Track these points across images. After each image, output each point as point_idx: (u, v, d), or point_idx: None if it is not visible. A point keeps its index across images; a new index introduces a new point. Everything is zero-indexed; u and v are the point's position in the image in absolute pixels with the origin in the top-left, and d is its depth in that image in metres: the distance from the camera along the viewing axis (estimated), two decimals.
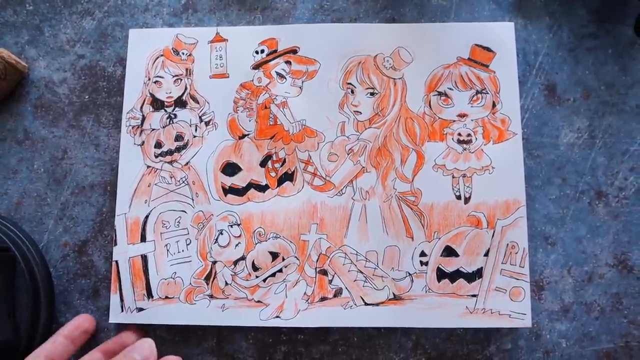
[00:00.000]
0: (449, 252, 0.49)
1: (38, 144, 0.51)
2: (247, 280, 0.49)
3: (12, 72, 0.50)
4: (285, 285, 0.48)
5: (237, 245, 0.49)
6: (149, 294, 0.49)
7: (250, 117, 0.51)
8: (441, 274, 0.49)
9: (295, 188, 0.50)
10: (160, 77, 0.52)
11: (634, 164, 0.52)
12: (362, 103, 0.51)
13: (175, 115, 0.51)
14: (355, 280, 0.48)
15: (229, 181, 0.50)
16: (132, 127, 0.51)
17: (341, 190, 0.50)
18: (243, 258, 0.49)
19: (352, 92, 0.51)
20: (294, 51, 0.51)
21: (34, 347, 0.46)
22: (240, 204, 0.50)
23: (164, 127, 0.51)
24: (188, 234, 0.50)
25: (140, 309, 0.48)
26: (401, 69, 0.51)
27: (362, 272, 0.48)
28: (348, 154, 0.50)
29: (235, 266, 0.49)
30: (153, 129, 0.51)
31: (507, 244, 0.48)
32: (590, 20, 0.54)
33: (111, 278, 0.49)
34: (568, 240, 0.51)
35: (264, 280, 0.48)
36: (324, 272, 0.48)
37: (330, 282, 0.48)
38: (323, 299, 0.48)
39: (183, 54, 0.52)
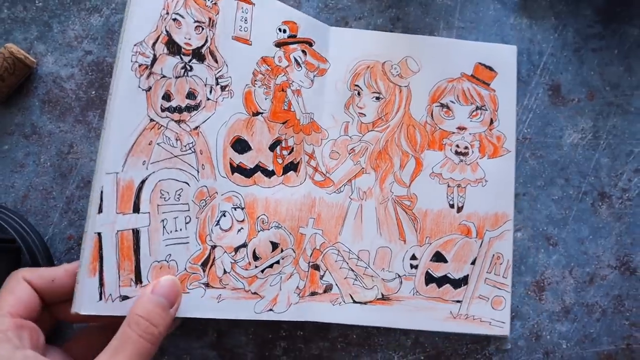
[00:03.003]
0: (438, 257, 0.50)
1: (45, 139, 0.52)
2: (247, 269, 0.46)
3: (20, 68, 0.51)
4: (281, 277, 0.47)
5: (239, 230, 0.46)
6: (138, 279, 0.41)
7: (267, 96, 0.49)
8: (429, 278, 0.49)
9: (299, 179, 0.50)
10: (180, 15, 0.44)
11: (639, 166, 0.51)
12: (367, 106, 0.51)
13: (192, 68, 0.45)
14: (346, 277, 0.49)
15: (237, 159, 0.47)
16: (140, 66, 0.42)
17: (339, 188, 0.50)
18: (244, 245, 0.46)
19: (359, 94, 0.52)
20: (309, 43, 0.51)
21: None
22: (246, 185, 0.47)
23: (176, 78, 0.44)
24: (189, 210, 0.44)
25: (125, 297, 0.40)
26: (407, 77, 0.52)
27: (353, 270, 0.49)
28: (349, 154, 0.51)
29: (235, 253, 0.46)
30: (164, 76, 0.43)
31: (493, 255, 0.49)
32: (596, 21, 0.53)
33: (86, 256, 0.39)
34: (570, 241, 0.51)
35: (262, 271, 0.47)
36: (317, 267, 0.49)
37: (322, 277, 0.49)
38: (313, 293, 0.48)
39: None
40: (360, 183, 0.50)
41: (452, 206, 0.50)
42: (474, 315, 0.48)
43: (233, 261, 0.46)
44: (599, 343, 0.49)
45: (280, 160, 0.49)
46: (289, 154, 0.49)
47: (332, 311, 0.48)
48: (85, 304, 0.38)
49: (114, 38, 0.54)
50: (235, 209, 0.46)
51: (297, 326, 0.50)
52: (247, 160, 0.48)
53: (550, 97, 0.52)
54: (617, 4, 0.53)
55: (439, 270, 0.49)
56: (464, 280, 0.49)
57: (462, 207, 0.50)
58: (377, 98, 0.52)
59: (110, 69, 0.53)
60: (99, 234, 0.40)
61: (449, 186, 0.50)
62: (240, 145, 0.47)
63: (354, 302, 0.48)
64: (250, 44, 0.48)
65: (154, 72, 0.43)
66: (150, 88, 0.43)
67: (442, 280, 0.49)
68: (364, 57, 0.52)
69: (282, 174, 0.49)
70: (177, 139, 0.44)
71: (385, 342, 0.50)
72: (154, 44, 0.43)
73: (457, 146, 0.51)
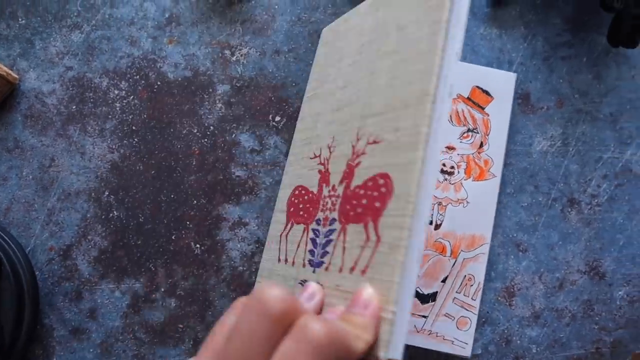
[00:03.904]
0: None
1: (27, 152, 0.54)
2: None
3: (3, 84, 0.53)
4: None
5: None
6: None
7: None
8: None
9: None
10: None
11: (607, 172, 0.52)
12: None
13: None
14: None
15: None
16: None
17: None
18: None
19: None
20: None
21: (18, 347, 0.48)
22: None
23: None
24: None
25: None
26: None
27: None
28: None
29: None
30: None
31: (465, 275, 0.50)
32: (565, 29, 0.54)
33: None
34: (540, 247, 0.51)
35: None
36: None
37: None
38: None
39: None
40: None
41: (430, 223, 0.51)
42: (438, 332, 0.49)
43: None
44: (568, 347, 0.50)
45: None
46: None
47: None
48: None
49: (94, 54, 0.55)
50: None
51: None
52: None
53: (519, 105, 0.53)
54: (585, 13, 0.54)
55: None
56: (432, 297, 0.50)
57: (441, 224, 0.51)
58: None
59: (90, 84, 0.54)
60: None
61: None
62: None
63: None
64: None
65: None
66: None
67: None
68: None
69: None
70: None
71: None
72: None
73: (444, 165, 0.52)
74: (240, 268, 0.52)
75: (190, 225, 0.52)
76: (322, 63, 0.50)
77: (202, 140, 0.53)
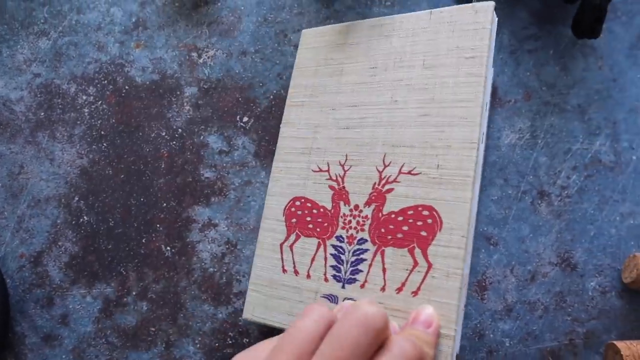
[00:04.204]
0: None
1: None
2: None
3: None
4: None
5: None
6: None
7: None
8: None
9: None
10: None
11: (577, 163, 0.52)
12: None
13: None
14: None
15: None
16: None
17: None
18: None
19: None
20: None
21: None
22: None
23: None
24: None
25: None
26: None
27: None
28: None
29: None
30: None
31: None
32: (532, 22, 0.54)
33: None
34: (510, 240, 0.51)
35: None
36: None
37: None
38: None
39: None
40: None
41: None
42: None
43: None
44: (542, 340, 0.50)
45: None
46: None
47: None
48: None
49: (62, 60, 0.55)
50: None
51: (243, 334, 0.51)
52: None
53: None
54: (551, 6, 0.54)
55: None
56: None
57: None
58: None
59: (58, 90, 0.54)
60: None
61: None
62: None
63: None
64: None
65: None
66: None
67: None
68: None
69: None
70: None
71: None
72: None
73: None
74: (211, 269, 0.52)
75: (161, 228, 0.52)
76: (310, 69, 0.50)
77: (171, 143, 0.53)
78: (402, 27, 0.48)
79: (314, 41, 0.51)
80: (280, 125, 0.50)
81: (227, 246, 0.52)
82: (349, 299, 0.44)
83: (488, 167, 0.52)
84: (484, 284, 0.51)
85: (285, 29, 0.55)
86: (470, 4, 0.46)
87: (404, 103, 0.45)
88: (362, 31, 0.49)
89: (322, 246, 0.45)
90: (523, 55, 0.54)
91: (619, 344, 0.47)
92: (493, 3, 0.45)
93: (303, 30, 0.51)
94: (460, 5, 0.46)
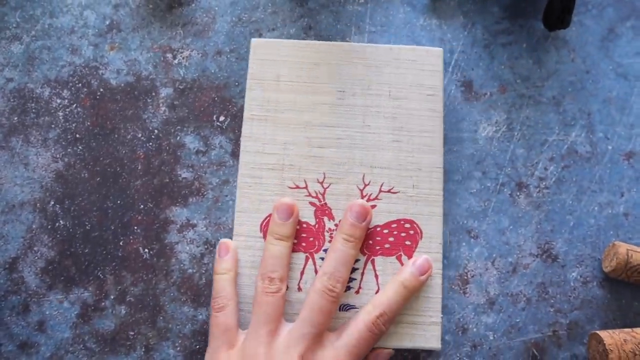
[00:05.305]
0: None
1: None
2: None
3: None
4: None
5: None
6: None
7: None
8: None
9: None
10: None
11: (553, 154, 0.52)
12: None
13: None
14: None
15: None
16: None
17: None
18: None
19: None
20: None
21: None
22: None
23: None
24: None
25: None
26: None
27: None
28: None
29: None
30: None
31: None
32: (504, 17, 0.55)
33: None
34: (491, 232, 0.51)
35: None
36: None
37: None
38: None
39: None
40: None
41: None
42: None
43: None
44: (525, 332, 0.50)
45: None
46: None
47: None
48: None
49: (35, 64, 0.55)
50: None
51: None
52: None
53: (462, 93, 0.53)
54: (522, 0, 0.55)
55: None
56: None
57: None
58: None
59: (31, 95, 0.54)
60: None
61: None
62: None
63: None
64: None
65: None
66: None
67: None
68: None
69: None
70: None
71: None
72: None
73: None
74: (190, 270, 0.51)
75: (138, 230, 0.51)
76: (269, 82, 0.50)
77: (147, 144, 0.53)
78: (367, 56, 0.51)
79: (269, 53, 0.51)
80: (241, 139, 0.49)
81: (205, 246, 0.51)
82: (346, 305, 0.47)
83: (466, 161, 0.52)
84: (465, 277, 0.51)
85: (259, 28, 0.55)
86: (423, 47, 0.51)
87: (376, 128, 0.49)
88: (327, 53, 0.51)
89: (309, 260, 0.47)
90: (497, 49, 0.54)
91: (602, 334, 0.47)
92: (442, 49, 0.51)
93: (253, 40, 0.51)
94: (414, 46, 0.51)
